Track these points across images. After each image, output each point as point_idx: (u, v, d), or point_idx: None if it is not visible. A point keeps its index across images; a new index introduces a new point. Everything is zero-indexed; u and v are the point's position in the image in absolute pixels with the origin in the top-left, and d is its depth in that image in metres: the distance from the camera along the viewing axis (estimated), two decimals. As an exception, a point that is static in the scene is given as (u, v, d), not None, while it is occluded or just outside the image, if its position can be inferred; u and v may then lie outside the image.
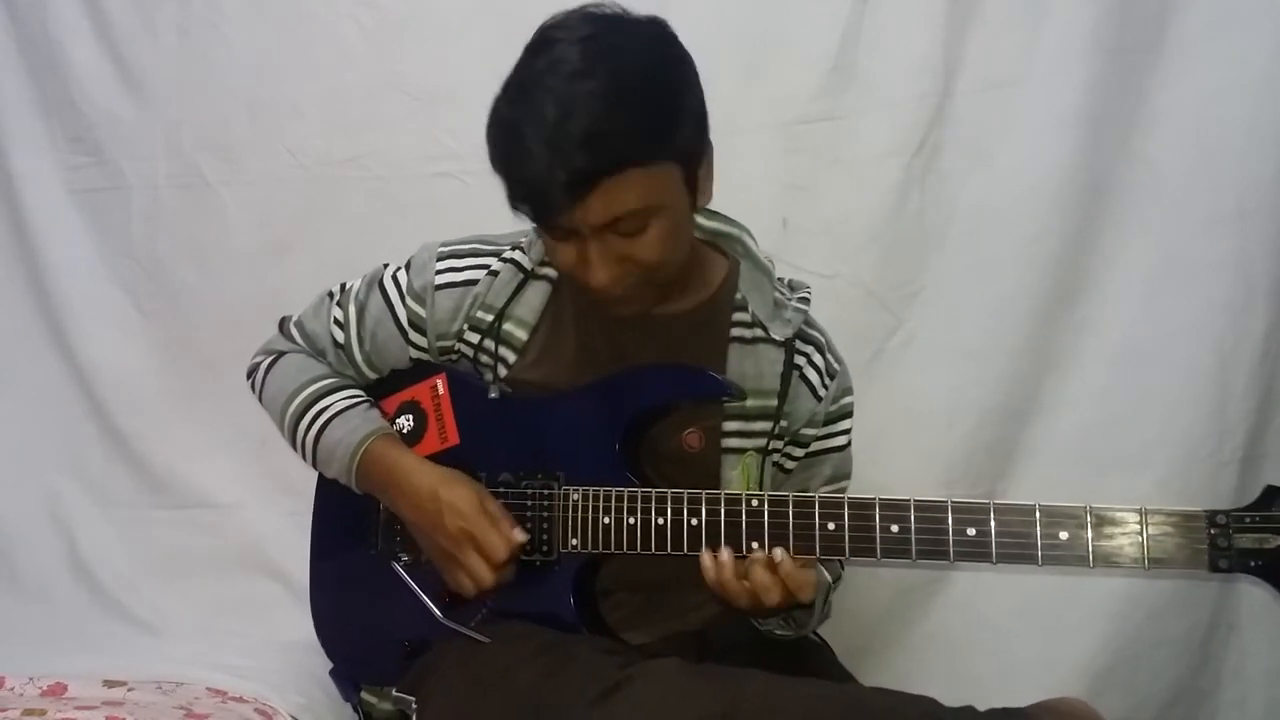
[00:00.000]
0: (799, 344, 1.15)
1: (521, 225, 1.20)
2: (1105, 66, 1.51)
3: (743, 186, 1.64)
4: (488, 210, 1.65)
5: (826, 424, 1.18)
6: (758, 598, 0.97)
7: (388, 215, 1.70)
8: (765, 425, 1.12)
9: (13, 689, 1.33)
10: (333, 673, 1.24)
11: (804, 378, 1.15)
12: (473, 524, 1.04)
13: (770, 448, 1.13)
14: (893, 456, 1.57)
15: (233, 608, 1.65)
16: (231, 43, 1.73)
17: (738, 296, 1.14)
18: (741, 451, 1.10)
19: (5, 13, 1.76)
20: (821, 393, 1.15)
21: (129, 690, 1.33)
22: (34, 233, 1.75)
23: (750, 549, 1.00)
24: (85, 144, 1.76)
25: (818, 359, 1.16)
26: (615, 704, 0.89)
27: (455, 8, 1.69)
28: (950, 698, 0.92)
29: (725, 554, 0.99)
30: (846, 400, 1.21)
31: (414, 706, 1.07)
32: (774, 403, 1.11)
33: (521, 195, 0.98)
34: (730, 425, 1.11)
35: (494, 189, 1.65)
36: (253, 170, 1.73)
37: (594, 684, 0.91)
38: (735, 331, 1.13)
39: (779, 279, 1.17)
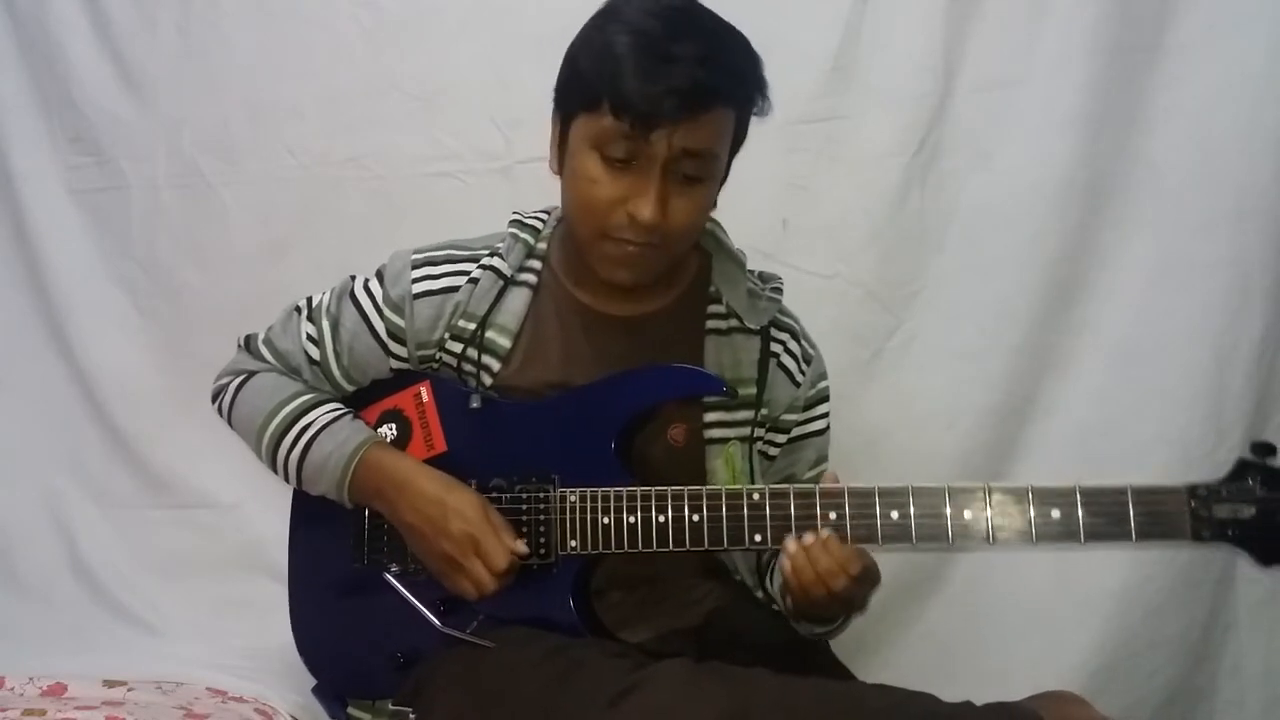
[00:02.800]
0: (774, 331, 1.17)
1: (496, 229, 1.21)
2: (1105, 66, 1.51)
3: (743, 186, 1.64)
4: (487, 210, 1.65)
5: (806, 409, 1.19)
6: (827, 584, 0.97)
7: (387, 215, 1.70)
8: (747, 414, 1.13)
9: (13, 689, 1.33)
10: (316, 690, 1.21)
11: (781, 365, 1.16)
12: (477, 529, 1.04)
13: (755, 435, 1.14)
14: (893, 456, 1.57)
15: (233, 608, 1.65)
16: (231, 43, 1.73)
17: (711, 289, 1.16)
18: (724, 441, 1.11)
19: (5, 13, 1.76)
20: (799, 379, 1.17)
21: (129, 690, 1.33)
22: (34, 233, 1.75)
23: (754, 541, 1.01)
24: (85, 144, 1.76)
25: (793, 345, 1.18)
26: (629, 708, 0.88)
27: (455, 8, 1.69)
28: (948, 696, 0.93)
29: (792, 545, 0.98)
30: (823, 385, 1.22)
31: (412, 718, 1.06)
32: (754, 391, 1.13)
33: (628, 102, 0.97)
34: (711, 416, 1.12)
35: (493, 189, 1.68)
36: (253, 170, 1.73)
37: (606, 688, 0.91)
38: (711, 324, 1.14)
39: (749, 271, 1.18)
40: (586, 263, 1.09)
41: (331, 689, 1.20)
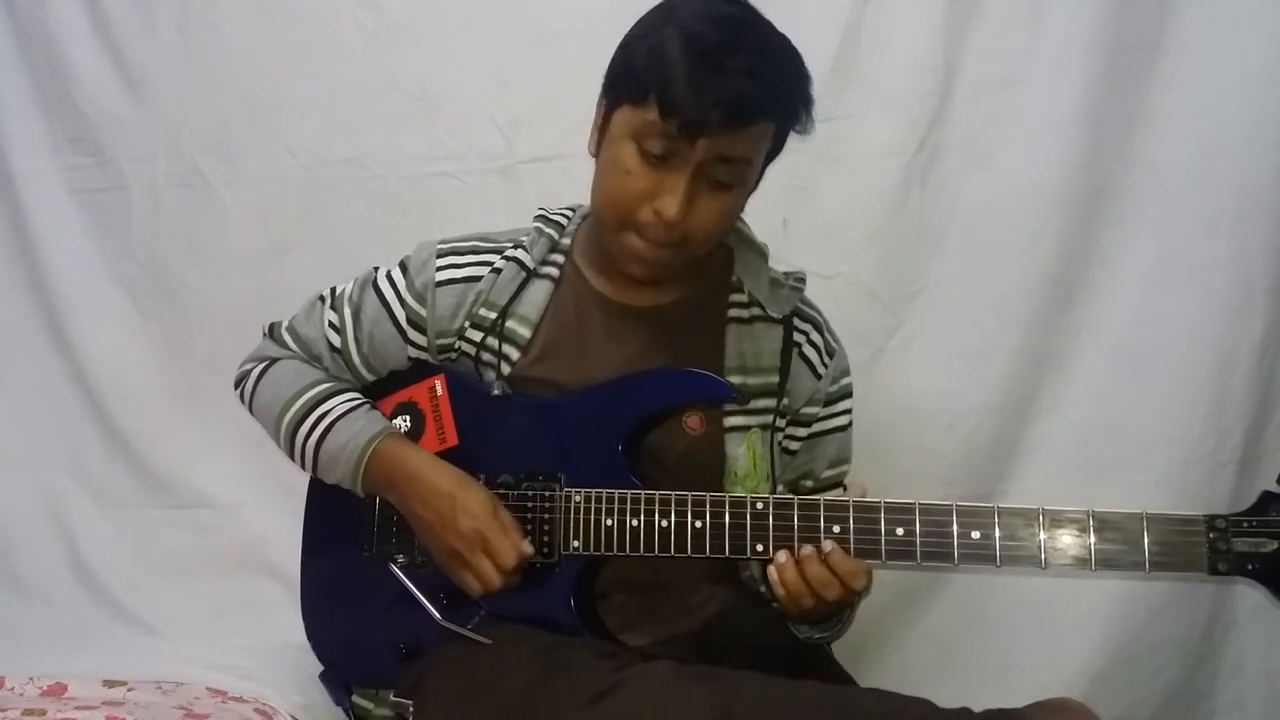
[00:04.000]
0: (797, 322, 1.18)
1: (520, 224, 1.22)
2: (1105, 66, 1.51)
3: (743, 186, 1.64)
4: (487, 210, 1.66)
5: (828, 404, 1.20)
6: (819, 594, 0.97)
7: (387, 215, 1.70)
8: (768, 403, 1.14)
9: (13, 689, 1.33)
10: (323, 676, 1.23)
11: (803, 355, 1.17)
12: (485, 527, 1.04)
13: (775, 425, 1.14)
14: (893, 456, 1.57)
15: (233, 608, 1.65)
16: (231, 43, 1.73)
17: (733, 279, 1.17)
18: (745, 429, 1.12)
19: (5, 13, 1.76)
20: (821, 370, 1.18)
21: (129, 690, 1.33)
22: (34, 233, 1.75)
23: (755, 550, 1.01)
24: (85, 144, 1.76)
25: (816, 337, 1.19)
26: (608, 707, 0.88)
27: (455, 8, 1.69)
28: (949, 698, 0.92)
29: (782, 556, 0.99)
30: (846, 381, 1.23)
31: (411, 711, 1.07)
32: (775, 379, 1.14)
33: (676, 107, 0.98)
34: (731, 405, 1.12)
35: (493, 189, 1.68)
36: (253, 170, 1.73)
37: (586, 687, 0.91)
38: (733, 313, 1.16)
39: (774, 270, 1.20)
40: (606, 250, 1.11)
41: (338, 676, 1.21)
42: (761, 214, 1.61)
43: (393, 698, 1.11)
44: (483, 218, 1.66)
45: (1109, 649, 1.53)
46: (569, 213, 1.21)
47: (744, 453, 1.11)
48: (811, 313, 1.21)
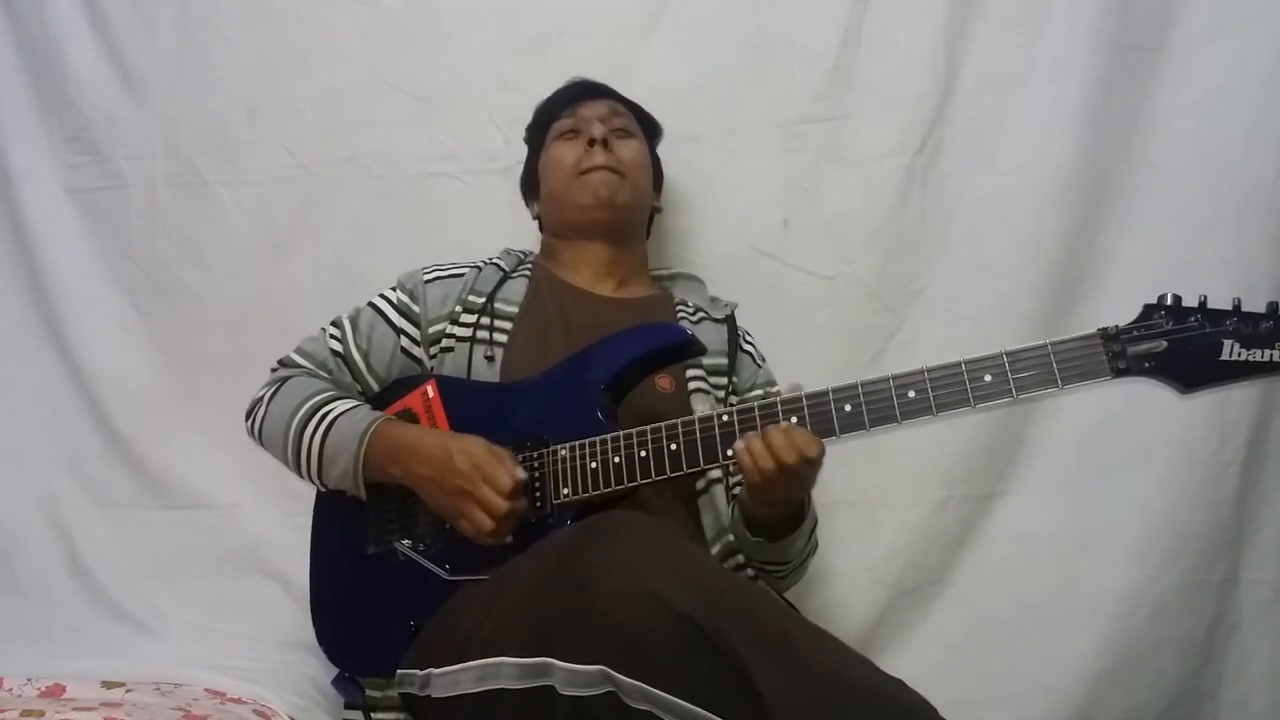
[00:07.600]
0: (737, 324, 1.41)
1: (520, 223, 1.31)
2: (1107, 66, 1.51)
3: (743, 186, 1.64)
4: (487, 210, 1.66)
5: (765, 392, 1.37)
6: (779, 458, 1.05)
7: (387, 215, 1.70)
8: (720, 380, 1.34)
9: (11, 690, 1.32)
10: (335, 681, 1.26)
11: (744, 349, 1.40)
12: (481, 460, 1.13)
13: (728, 400, 1.33)
14: (893, 456, 1.56)
15: (232, 608, 1.64)
16: (231, 42, 1.73)
17: (677, 300, 1.41)
18: (706, 393, 1.30)
19: (4, 13, 1.76)
20: (760, 363, 1.42)
21: (127, 691, 1.32)
22: (32, 232, 1.75)
23: (726, 456, 1.10)
24: (83, 143, 1.76)
25: (751, 339, 1.44)
26: (612, 549, 0.94)
27: (455, 8, 1.70)
28: (952, 700, 0.92)
29: (741, 442, 1.08)
30: (774, 388, 1.39)
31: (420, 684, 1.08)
32: (725, 361, 1.35)
33: (557, 99, 1.47)
34: (693, 372, 1.30)
35: (493, 189, 1.68)
36: (252, 170, 1.73)
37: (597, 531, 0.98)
38: (681, 316, 1.38)
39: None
40: (569, 219, 1.39)
41: (353, 666, 1.26)
42: (762, 214, 1.63)
43: (400, 670, 1.12)
44: (483, 218, 1.67)
45: (1113, 650, 1.52)
46: (531, 250, 1.46)
47: (709, 409, 1.24)
48: (743, 327, 1.43)
